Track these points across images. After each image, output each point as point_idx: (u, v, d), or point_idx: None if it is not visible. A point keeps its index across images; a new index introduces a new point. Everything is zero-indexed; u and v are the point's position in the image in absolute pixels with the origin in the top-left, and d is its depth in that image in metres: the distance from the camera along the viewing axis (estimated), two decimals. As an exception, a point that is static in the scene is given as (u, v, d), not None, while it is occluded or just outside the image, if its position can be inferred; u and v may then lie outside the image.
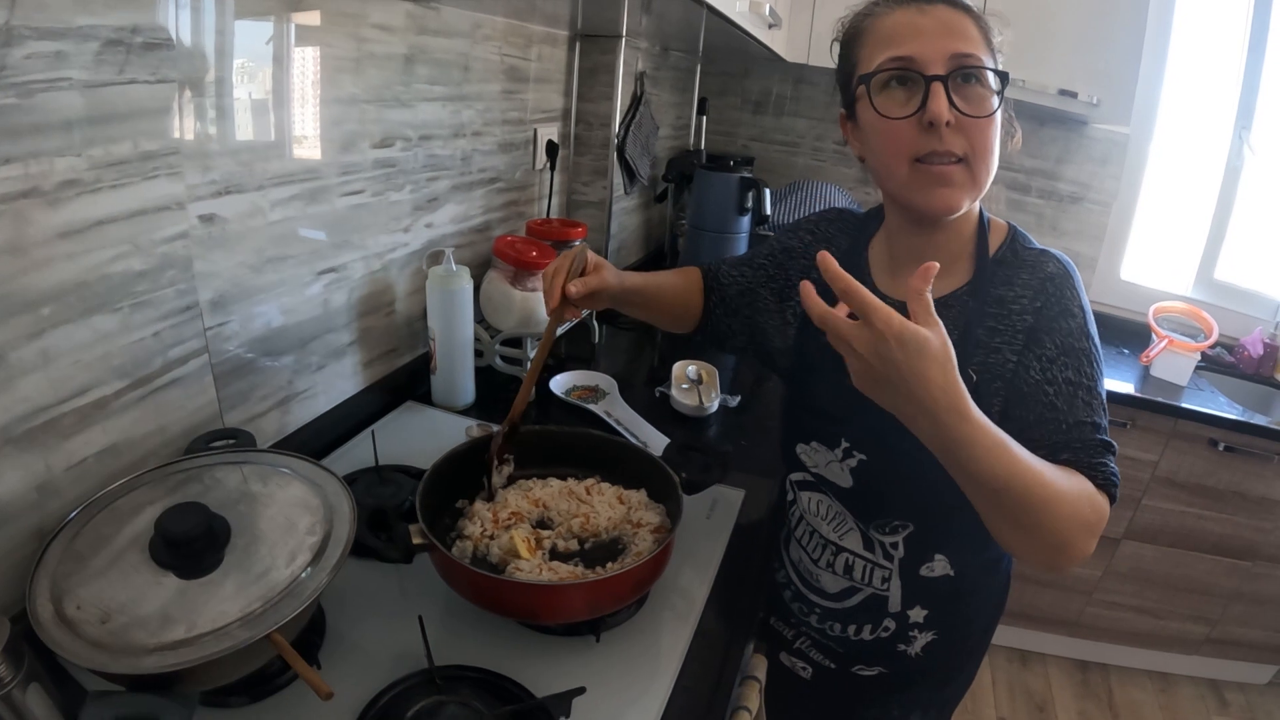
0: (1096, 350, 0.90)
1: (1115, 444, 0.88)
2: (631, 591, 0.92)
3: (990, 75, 0.86)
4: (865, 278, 1.06)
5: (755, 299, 1.18)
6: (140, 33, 0.84)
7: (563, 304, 1.01)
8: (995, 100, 0.87)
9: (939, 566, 1.04)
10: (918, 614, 1.07)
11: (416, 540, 0.90)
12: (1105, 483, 0.85)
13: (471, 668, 0.85)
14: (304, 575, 0.77)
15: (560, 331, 0.98)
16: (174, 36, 0.89)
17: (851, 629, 1.12)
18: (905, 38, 0.87)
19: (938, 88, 0.85)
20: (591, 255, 1.05)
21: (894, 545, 1.04)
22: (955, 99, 0.85)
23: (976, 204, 0.96)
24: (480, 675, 0.84)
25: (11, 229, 0.75)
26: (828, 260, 0.71)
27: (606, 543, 1.04)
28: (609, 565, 0.98)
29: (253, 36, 1.01)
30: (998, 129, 0.88)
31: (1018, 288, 0.92)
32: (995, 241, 0.97)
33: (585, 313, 1.00)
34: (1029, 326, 0.90)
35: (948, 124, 0.85)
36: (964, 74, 0.85)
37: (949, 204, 0.90)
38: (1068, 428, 0.87)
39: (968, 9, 0.88)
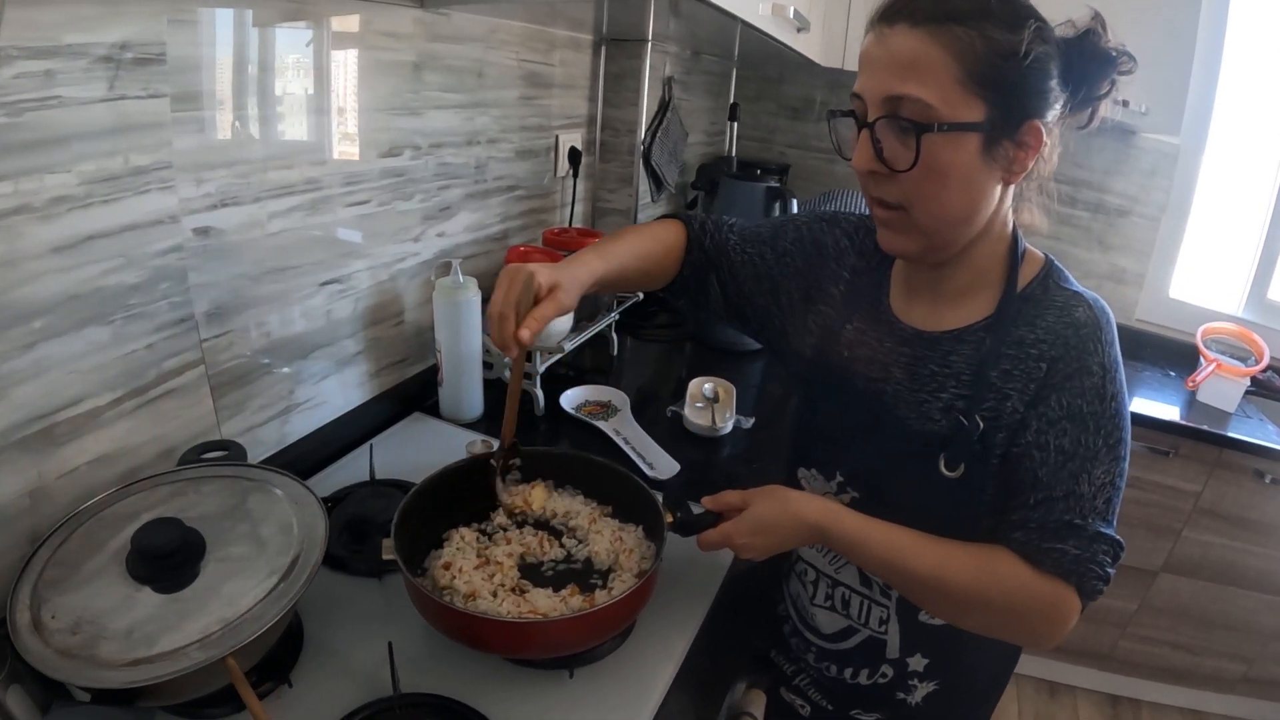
0: (1116, 414, 0.81)
1: (1097, 526, 0.80)
2: (599, 633, 0.88)
3: (935, 118, 0.75)
4: (881, 298, 1.01)
5: (777, 291, 1.09)
6: (130, 48, 0.84)
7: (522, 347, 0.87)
8: (930, 148, 0.76)
9: None
10: (917, 662, 1.02)
11: (386, 556, 0.86)
12: (1059, 570, 0.80)
13: (436, 696, 0.83)
14: (267, 598, 0.76)
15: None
16: (165, 51, 0.88)
17: (848, 672, 1.07)
18: (862, 69, 0.82)
19: (863, 136, 0.80)
20: (542, 275, 0.87)
21: (889, 584, 0.99)
22: (884, 147, 0.80)
23: (1007, 230, 0.89)
24: (445, 704, 0.82)
25: (4, 244, 0.77)
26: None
27: (600, 571, 1.00)
28: (593, 595, 0.94)
29: (248, 47, 1.01)
30: (946, 177, 0.79)
31: (1040, 330, 0.84)
32: (1027, 275, 0.89)
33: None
34: (1042, 376, 0.83)
35: (874, 172, 0.82)
36: (891, 120, 0.78)
37: (889, 247, 0.89)
38: (1036, 504, 0.82)
39: (940, 25, 0.75)
